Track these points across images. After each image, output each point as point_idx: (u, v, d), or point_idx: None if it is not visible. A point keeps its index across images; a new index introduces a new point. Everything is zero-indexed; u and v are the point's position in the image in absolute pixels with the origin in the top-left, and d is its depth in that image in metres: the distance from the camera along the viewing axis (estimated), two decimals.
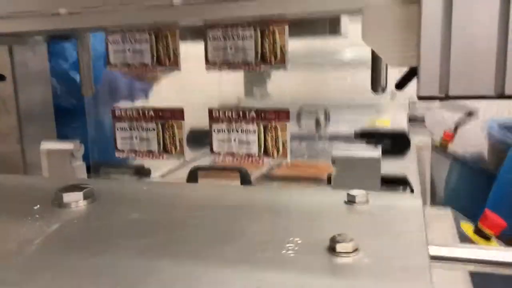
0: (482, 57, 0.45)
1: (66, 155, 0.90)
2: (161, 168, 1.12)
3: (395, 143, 1.42)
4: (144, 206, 0.51)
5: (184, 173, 1.05)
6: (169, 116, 0.86)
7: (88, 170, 1.09)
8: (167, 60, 0.85)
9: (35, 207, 0.50)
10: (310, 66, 1.80)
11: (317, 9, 0.57)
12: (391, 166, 1.26)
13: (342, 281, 0.33)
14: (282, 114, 0.80)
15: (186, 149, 0.87)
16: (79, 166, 0.91)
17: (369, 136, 1.59)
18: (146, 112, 0.87)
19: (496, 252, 0.47)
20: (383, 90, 0.77)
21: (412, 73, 0.54)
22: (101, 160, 1.08)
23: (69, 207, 0.50)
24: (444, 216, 0.83)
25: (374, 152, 0.76)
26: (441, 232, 0.75)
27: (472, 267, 0.48)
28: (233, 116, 0.83)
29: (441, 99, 0.46)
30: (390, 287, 0.34)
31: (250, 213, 0.47)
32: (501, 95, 0.45)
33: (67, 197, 0.50)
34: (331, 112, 1.88)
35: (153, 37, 0.83)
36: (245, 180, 0.95)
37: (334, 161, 0.77)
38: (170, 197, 0.54)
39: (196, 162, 1.06)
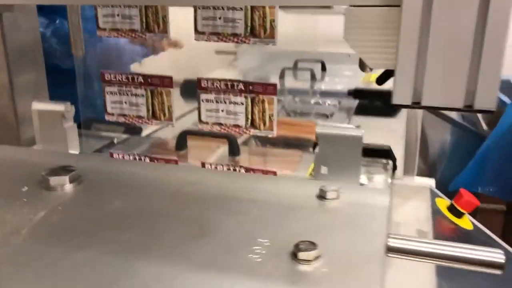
0: (456, 68, 0.46)
1: (57, 116, 0.91)
2: (152, 126, 1.13)
3: (387, 103, 1.43)
4: (126, 192, 0.53)
5: (173, 131, 1.08)
6: (158, 83, 0.87)
7: (80, 126, 1.11)
8: (156, 27, 0.84)
9: (23, 189, 0.53)
10: (305, 10, 1.77)
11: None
12: (380, 127, 1.28)
13: None
14: (269, 88, 0.81)
15: (174, 114, 0.89)
16: (71, 127, 0.93)
17: (361, 95, 1.60)
18: (136, 77, 0.88)
19: (453, 247, 0.51)
20: (371, 69, 0.77)
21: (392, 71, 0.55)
22: (93, 117, 1.10)
23: (55, 190, 0.53)
24: (422, 192, 0.86)
25: (357, 131, 0.77)
26: (415, 210, 0.79)
27: (429, 261, 0.51)
28: (222, 87, 0.83)
29: (413, 107, 0.47)
30: None
31: (225, 206, 0.50)
32: (471, 108, 0.46)
33: (54, 180, 0.53)
34: (329, 67, 1.87)
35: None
36: (233, 148, 0.97)
37: (317, 137, 0.78)
38: (152, 182, 0.56)
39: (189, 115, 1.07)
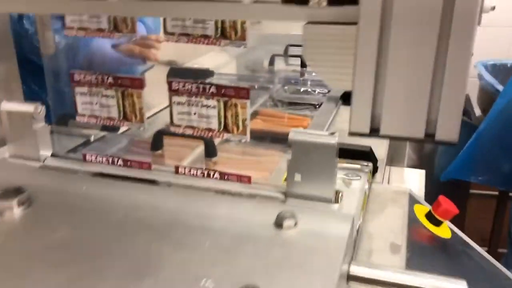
0: (416, 95, 0.43)
1: (27, 117, 0.88)
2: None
3: None
4: (74, 218, 0.51)
5: (152, 128, 1.05)
6: (129, 85, 0.84)
7: (57, 122, 1.09)
8: (125, 27, 0.80)
9: None
10: None
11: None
12: None
13: None
14: (242, 92, 0.78)
15: (146, 117, 0.86)
16: (42, 128, 0.90)
17: None
18: (106, 78, 0.84)
19: (416, 277, 0.49)
20: None
21: None
22: (68, 114, 1.06)
23: (2, 215, 0.51)
24: (401, 197, 0.84)
25: (331, 138, 0.74)
26: (391, 219, 0.76)
27: None
28: (193, 90, 0.80)
29: (372, 137, 0.45)
30: None
31: (175, 236, 0.48)
32: (432, 139, 0.43)
33: (1, 205, 0.51)
34: None
35: None
36: (209, 149, 0.95)
37: (290, 144, 0.76)
38: (103, 204, 0.54)
39: None
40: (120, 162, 0.89)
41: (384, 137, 0.44)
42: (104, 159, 0.89)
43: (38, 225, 0.50)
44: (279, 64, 1.86)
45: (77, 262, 0.44)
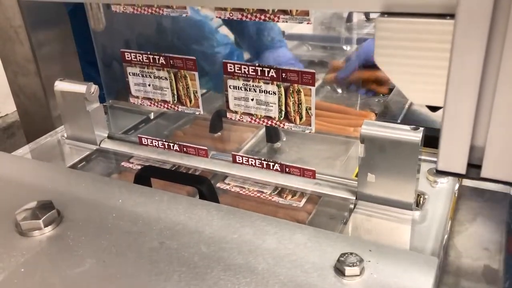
0: None
1: (80, 98, 0.84)
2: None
3: None
4: (101, 246, 0.45)
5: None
6: (181, 66, 0.75)
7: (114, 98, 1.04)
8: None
9: None
10: None
11: None
12: None
13: None
14: (306, 76, 0.66)
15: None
16: (96, 109, 0.86)
17: None
18: (157, 58, 0.76)
19: None
20: None
21: None
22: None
23: (27, 235, 0.46)
24: (499, 200, 0.69)
25: (414, 134, 0.61)
26: (485, 231, 0.63)
27: None
28: (250, 72, 0.70)
29: (468, 178, 0.32)
30: None
31: (213, 277, 0.40)
32: None
33: (26, 225, 0.46)
34: None
35: None
36: (272, 133, 0.85)
37: (362, 140, 0.64)
38: (140, 225, 0.47)
39: None
40: (176, 147, 0.82)
41: (487, 180, 0.31)
42: (160, 143, 0.83)
43: (64, 249, 0.45)
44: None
45: None
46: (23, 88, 0.94)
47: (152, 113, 1.01)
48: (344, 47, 1.48)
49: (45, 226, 0.47)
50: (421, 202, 0.67)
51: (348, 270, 0.39)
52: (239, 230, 0.46)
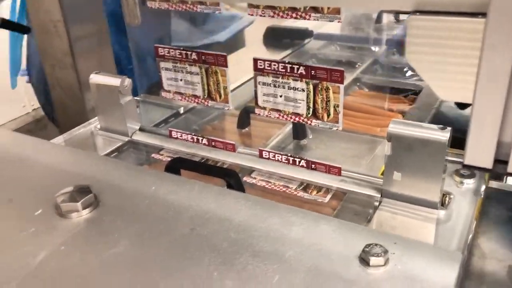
0: None
1: (114, 90, 0.87)
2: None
3: None
4: (137, 228, 0.47)
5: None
6: (213, 62, 0.77)
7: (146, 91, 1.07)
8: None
9: (37, 213, 0.49)
10: None
11: None
12: None
13: None
14: (335, 74, 0.67)
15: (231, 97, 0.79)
16: (128, 102, 0.89)
17: None
18: (189, 54, 0.79)
19: None
20: None
21: None
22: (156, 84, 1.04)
23: (67, 217, 0.48)
24: None
25: (441, 133, 0.62)
26: None
27: None
28: (280, 69, 0.71)
29: (494, 172, 0.33)
30: None
31: (240, 265, 0.41)
32: None
33: (66, 207, 0.48)
34: None
35: None
36: (298, 131, 0.86)
37: (389, 138, 0.64)
38: (169, 211, 0.49)
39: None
40: (204, 141, 0.84)
41: None
42: (189, 137, 0.85)
43: (101, 231, 0.47)
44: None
45: (132, 281, 0.40)
46: (59, 81, 0.98)
47: (182, 108, 1.04)
48: (373, 48, 1.48)
49: (83, 208, 0.49)
50: (446, 201, 0.67)
51: (373, 260, 0.40)
52: (267, 219, 0.47)
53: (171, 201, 0.51)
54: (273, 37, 1.52)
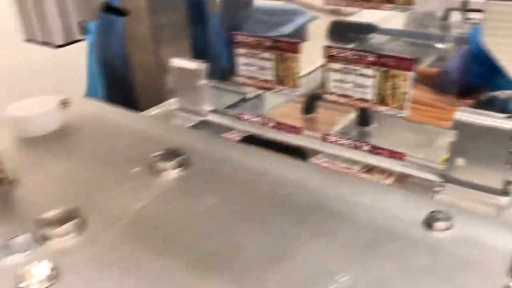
0: None
1: (192, 74, 0.94)
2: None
3: None
4: (224, 188, 0.53)
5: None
6: (285, 48, 0.83)
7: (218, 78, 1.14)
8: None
9: (133, 170, 0.57)
10: None
11: None
12: None
13: None
14: (405, 63, 0.71)
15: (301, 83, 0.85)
16: (204, 85, 0.96)
17: None
18: (264, 41, 0.85)
19: None
20: None
21: None
22: (228, 70, 1.10)
23: (161, 175, 0.55)
24: None
25: (508, 122, 0.64)
26: None
27: None
28: (350, 57, 0.76)
29: None
30: None
31: (314, 223, 0.46)
32: None
33: (161, 165, 0.55)
34: None
35: None
36: (363, 117, 0.90)
37: (455, 125, 0.67)
38: (252, 176, 0.55)
39: None
40: (272, 124, 0.90)
41: None
42: (258, 119, 0.91)
43: (190, 190, 0.54)
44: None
45: (217, 232, 0.47)
46: (141, 64, 1.07)
47: (250, 94, 1.10)
48: (437, 45, 1.48)
49: (174, 168, 0.56)
50: (510, 190, 0.69)
51: (437, 225, 0.44)
52: (339, 186, 0.52)
53: (252, 168, 0.57)
54: (337, 31, 1.55)
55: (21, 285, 0.39)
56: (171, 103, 1.04)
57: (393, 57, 0.71)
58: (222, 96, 1.11)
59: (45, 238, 0.46)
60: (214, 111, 0.99)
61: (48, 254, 0.44)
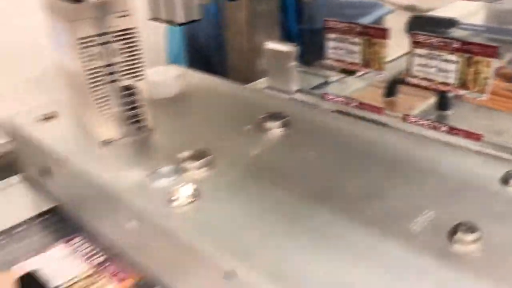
0: None
1: (283, 56, 1.05)
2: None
3: None
4: (323, 144, 0.63)
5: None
6: (374, 34, 0.91)
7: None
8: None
9: (246, 127, 0.68)
10: None
11: None
12: None
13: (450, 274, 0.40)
14: (489, 50, 0.77)
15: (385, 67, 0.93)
16: (293, 66, 1.06)
17: None
18: (354, 28, 0.93)
19: None
20: None
21: None
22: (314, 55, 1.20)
23: (268, 132, 0.67)
24: None
25: None
26: None
27: None
28: (436, 43, 0.83)
29: None
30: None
31: (403, 172, 0.55)
32: None
33: (269, 125, 0.67)
34: None
35: None
36: (443, 102, 0.96)
37: None
38: (347, 137, 0.64)
39: None
40: (354, 103, 0.99)
41: None
42: (341, 99, 1.01)
43: (293, 144, 0.64)
44: None
45: (321, 175, 0.57)
46: (236, 46, 1.20)
47: (332, 77, 1.20)
48: None
49: (279, 127, 0.68)
50: None
51: None
52: (425, 147, 0.60)
53: (344, 129, 0.67)
54: (417, 25, 1.59)
55: (173, 197, 0.52)
56: (260, 83, 1.15)
57: (477, 44, 0.78)
58: (308, 78, 1.21)
59: (183, 170, 0.58)
60: (300, 91, 1.09)
61: (187, 181, 0.56)
